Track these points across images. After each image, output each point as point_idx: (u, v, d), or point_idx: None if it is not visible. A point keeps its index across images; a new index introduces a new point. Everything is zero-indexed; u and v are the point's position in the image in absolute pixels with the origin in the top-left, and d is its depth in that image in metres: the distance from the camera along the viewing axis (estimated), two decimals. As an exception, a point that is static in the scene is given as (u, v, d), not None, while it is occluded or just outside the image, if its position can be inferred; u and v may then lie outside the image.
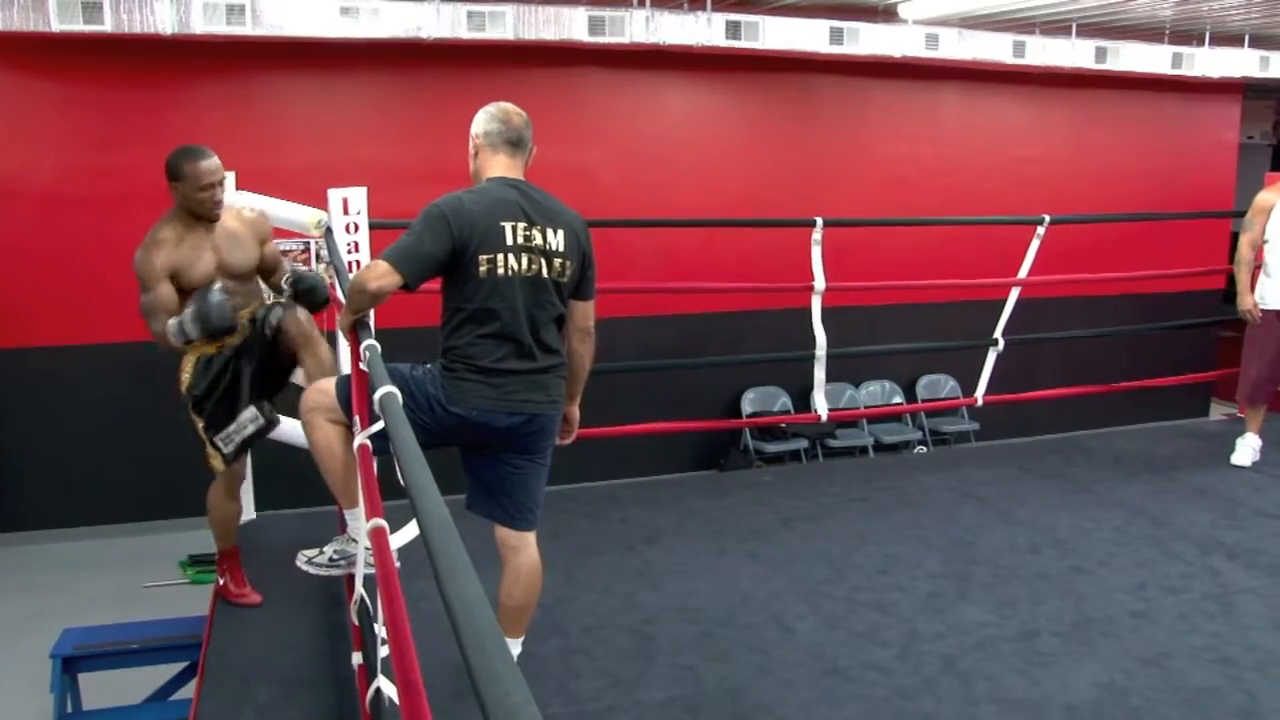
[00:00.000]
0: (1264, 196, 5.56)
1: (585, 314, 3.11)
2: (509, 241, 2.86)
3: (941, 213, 7.34)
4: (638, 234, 6.68)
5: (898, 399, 7.35)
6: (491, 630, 1.10)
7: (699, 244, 6.87)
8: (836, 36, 6.72)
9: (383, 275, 2.80)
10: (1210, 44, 7.86)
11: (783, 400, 7.06)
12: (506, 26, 6.30)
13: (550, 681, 3.36)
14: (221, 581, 3.91)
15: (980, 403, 6.04)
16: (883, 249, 7.15)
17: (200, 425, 3.64)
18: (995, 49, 7.15)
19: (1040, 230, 5.85)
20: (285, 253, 6.51)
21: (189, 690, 4.04)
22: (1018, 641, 3.67)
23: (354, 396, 2.78)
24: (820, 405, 5.59)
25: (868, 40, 6.77)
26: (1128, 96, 8.39)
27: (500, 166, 2.99)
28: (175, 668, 4.42)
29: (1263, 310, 5.51)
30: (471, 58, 6.58)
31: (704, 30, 6.54)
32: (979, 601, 3.98)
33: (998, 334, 5.96)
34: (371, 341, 2.70)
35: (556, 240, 2.93)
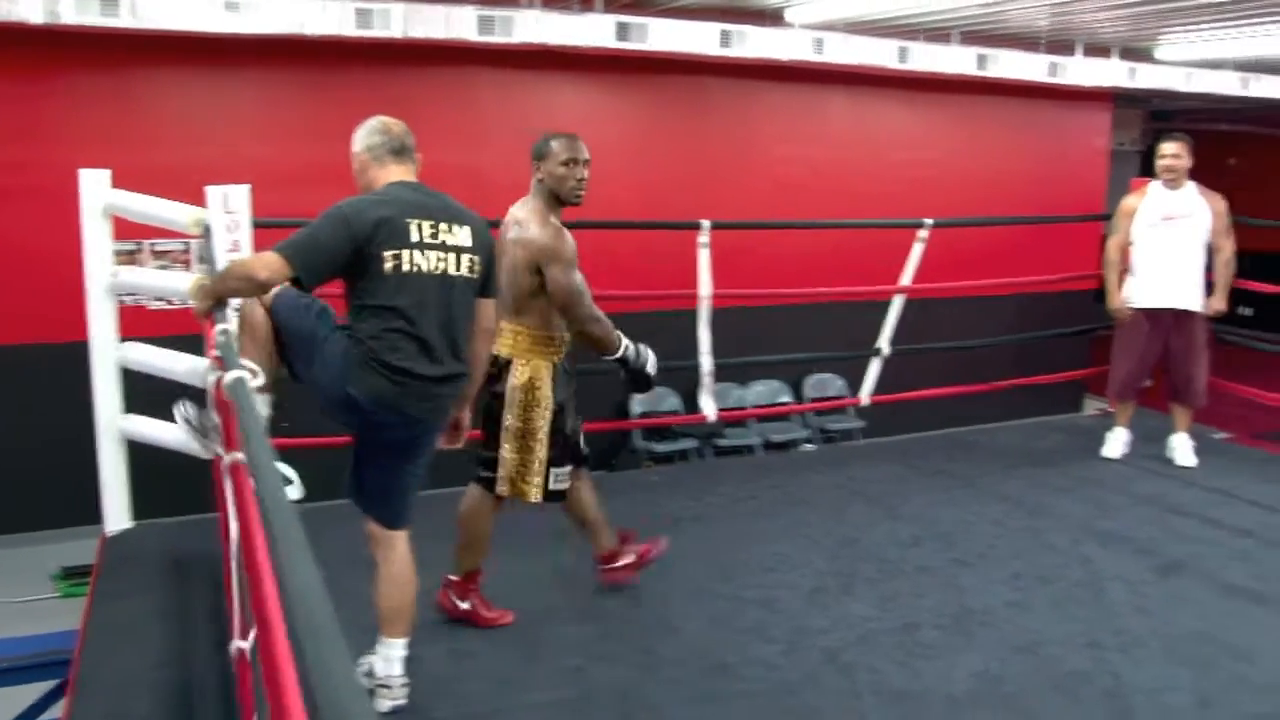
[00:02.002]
0: (1129, 200, 5.78)
1: (488, 313, 3.12)
2: (414, 238, 2.85)
3: (831, 214, 7.46)
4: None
5: (785, 398, 7.45)
6: (326, 618, 1.08)
7: (592, 247, 6.83)
8: (725, 39, 6.78)
9: (273, 266, 2.71)
10: (1083, 54, 8.14)
11: (672, 401, 7.10)
12: (394, 25, 6.21)
13: (438, 684, 3.33)
14: (466, 606, 3.69)
15: (866, 403, 6.19)
16: (773, 249, 7.24)
17: (544, 446, 3.55)
18: (880, 54, 7.30)
19: (922, 233, 6.00)
20: (164, 253, 6.34)
21: (59, 710, 3.90)
22: (900, 634, 3.75)
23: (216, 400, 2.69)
24: (707, 407, 5.65)
25: (756, 43, 6.85)
26: (1008, 102, 8.64)
27: (394, 174, 2.99)
28: (44, 686, 4.26)
29: (1131, 309, 5.72)
30: (361, 56, 6.48)
31: (594, 31, 6.54)
32: (863, 596, 4.06)
33: (882, 343, 6.12)
34: (227, 326, 2.64)
35: (462, 236, 2.94)
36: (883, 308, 6.11)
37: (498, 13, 6.36)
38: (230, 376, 2.18)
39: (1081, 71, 8.10)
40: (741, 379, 7.40)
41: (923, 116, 8.40)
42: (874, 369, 6.16)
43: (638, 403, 7.09)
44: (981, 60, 7.64)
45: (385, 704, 3.11)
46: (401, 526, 3.10)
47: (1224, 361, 6.29)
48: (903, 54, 7.35)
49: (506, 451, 3.54)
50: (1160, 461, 5.84)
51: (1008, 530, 4.81)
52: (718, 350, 5.66)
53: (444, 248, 2.90)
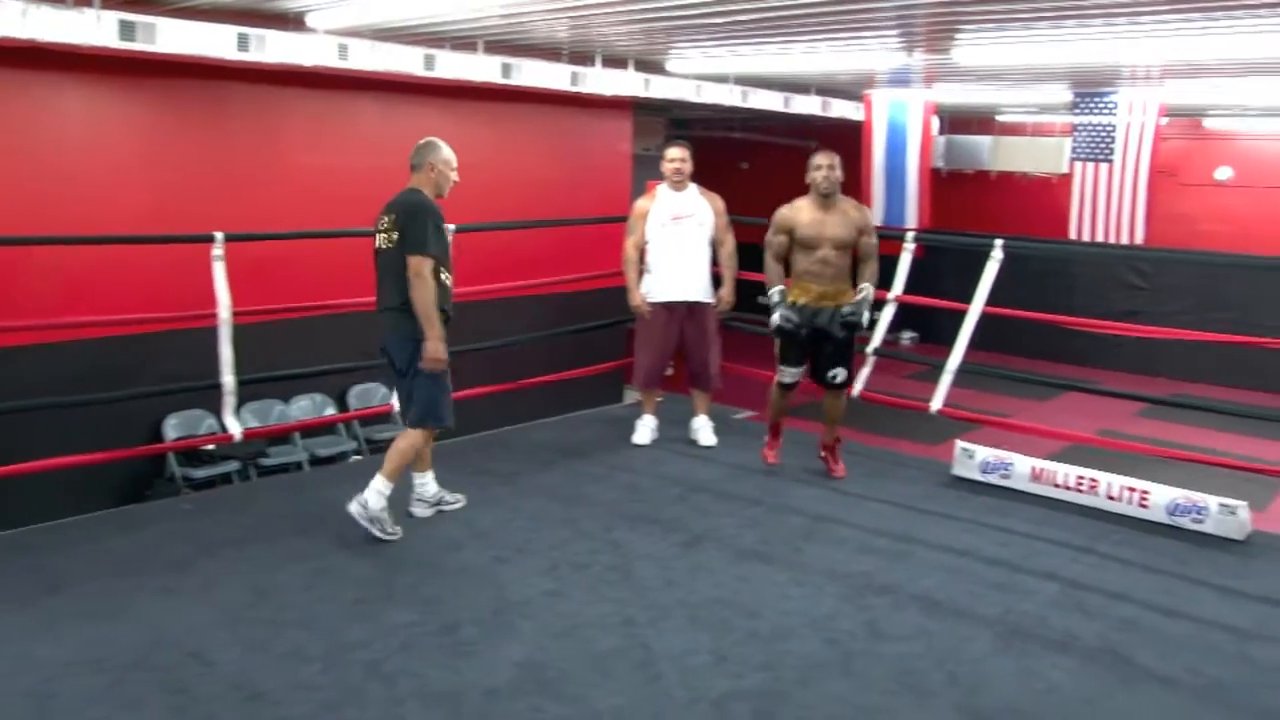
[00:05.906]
0: (641, 203, 6.21)
1: (407, 265, 4.50)
2: (376, 227, 4.69)
3: (364, 222, 7.32)
4: (21, 253, 6.03)
5: (330, 411, 7.26)
6: None
7: (97, 261, 6.28)
8: (243, 43, 6.47)
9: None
10: (603, 65, 8.64)
11: (209, 422, 6.65)
12: None
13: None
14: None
15: (396, 409, 6.20)
16: (307, 260, 7.03)
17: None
18: (407, 61, 7.31)
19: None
20: None
21: None
22: (441, 636, 3.80)
23: None
24: (232, 425, 5.37)
25: (277, 49, 6.60)
26: (536, 109, 8.99)
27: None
28: None
29: (650, 304, 6.14)
30: None
31: (93, 28, 5.98)
32: (404, 603, 4.06)
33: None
34: None
35: (387, 220, 4.63)
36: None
37: (-28, 3, 5.65)
38: None
39: (601, 81, 8.61)
40: (284, 394, 7.10)
41: (454, 123, 8.50)
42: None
43: (171, 427, 6.62)
44: (506, 69, 7.88)
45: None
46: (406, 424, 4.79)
47: (747, 346, 6.93)
48: (429, 61, 7.41)
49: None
50: (685, 444, 6.34)
51: (544, 523, 5.00)
52: (254, 365, 5.41)
53: (381, 229, 4.66)
